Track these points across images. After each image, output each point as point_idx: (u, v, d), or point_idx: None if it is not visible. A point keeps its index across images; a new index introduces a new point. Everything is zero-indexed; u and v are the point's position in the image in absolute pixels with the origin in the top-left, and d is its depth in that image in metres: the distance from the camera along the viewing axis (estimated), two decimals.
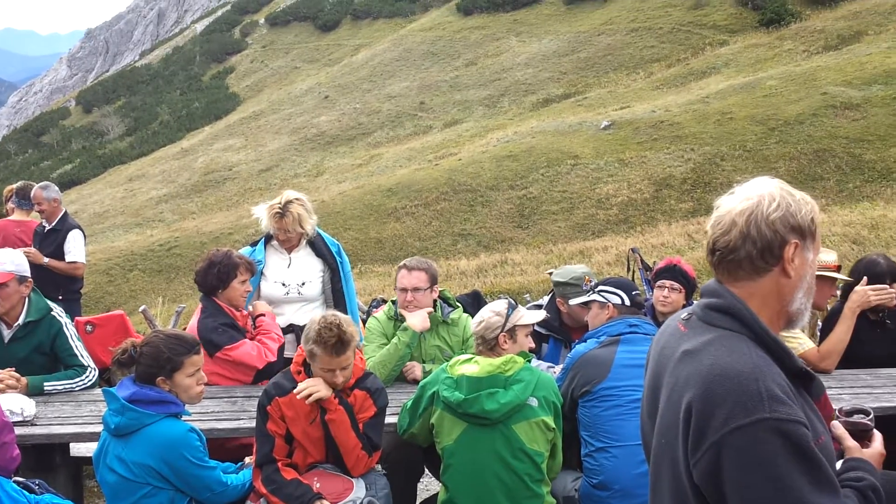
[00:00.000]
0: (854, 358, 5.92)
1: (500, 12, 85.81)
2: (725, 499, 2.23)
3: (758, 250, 2.44)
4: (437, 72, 78.80)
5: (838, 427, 2.66)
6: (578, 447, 5.06)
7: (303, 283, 7.02)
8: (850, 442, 2.62)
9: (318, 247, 7.16)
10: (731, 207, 2.52)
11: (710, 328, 2.44)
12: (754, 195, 2.52)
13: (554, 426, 4.83)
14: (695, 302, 3.10)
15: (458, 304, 6.73)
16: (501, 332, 4.98)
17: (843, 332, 5.62)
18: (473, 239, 41.46)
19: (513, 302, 5.16)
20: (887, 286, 5.64)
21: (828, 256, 5.76)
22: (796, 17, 69.37)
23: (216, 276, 6.52)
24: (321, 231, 7.29)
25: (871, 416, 2.75)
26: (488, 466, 4.75)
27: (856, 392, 5.43)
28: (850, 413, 2.76)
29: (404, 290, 6.45)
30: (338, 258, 7.21)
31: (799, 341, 5.48)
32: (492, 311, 5.07)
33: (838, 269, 5.82)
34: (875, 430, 2.73)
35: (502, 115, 65.05)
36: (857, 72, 52.63)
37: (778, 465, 2.16)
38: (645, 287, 9.40)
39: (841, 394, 5.28)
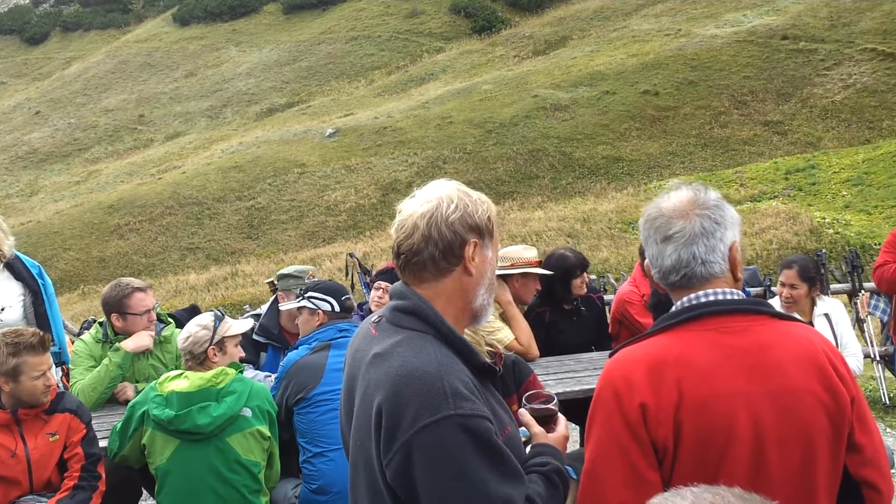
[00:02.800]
0: (557, 346, 6.27)
1: (218, 22, 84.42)
2: (418, 497, 2.28)
3: (440, 251, 2.48)
4: (156, 83, 76.50)
5: (525, 415, 2.76)
6: (297, 454, 5.08)
7: (2, 309, 6.64)
8: (536, 428, 2.72)
9: (17, 269, 6.78)
10: (412, 211, 2.55)
11: (398, 330, 2.46)
12: (434, 198, 2.56)
13: (269, 435, 4.83)
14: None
15: (170, 320, 6.58)
16: (210, 345, 4.92)
17: (522, 319, 5.95)
18: (202, 252, 40.58)
19: (219, 313, 5.11)
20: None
21: (529, 253, 6.04)
22: (506, 24, 72.34)
23: None
24: (19, 253, 6.91)
25: (556, 401, 2.87)
26: (204, 482, 4.69)
27: (560, 378, 5.74)
28: (534, 400, 2.84)
29: (147, 311, 6.21)
30: (39, 280, 6.85)
31: (504, 333, 5.74)
32: (198, 325, 5.00)
33: (539, 263, 6.12)
34: (560, 415, 2.86)
35: (226, 126, 64.00)
36: (565, 75, 55.60)
37: (464, 459, 2.23)
38: (365, 291, 9.54)
39: (546, 380, 5.56)
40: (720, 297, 2.45)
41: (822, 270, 8.88)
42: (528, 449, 2.67)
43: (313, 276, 6.34)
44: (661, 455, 2.35)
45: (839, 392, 2.43)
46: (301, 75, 70.96)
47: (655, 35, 60.48)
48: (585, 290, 6.31)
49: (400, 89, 62.31)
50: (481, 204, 2.62)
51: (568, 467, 4.27)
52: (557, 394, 5.32)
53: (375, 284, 6.73)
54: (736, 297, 2.47)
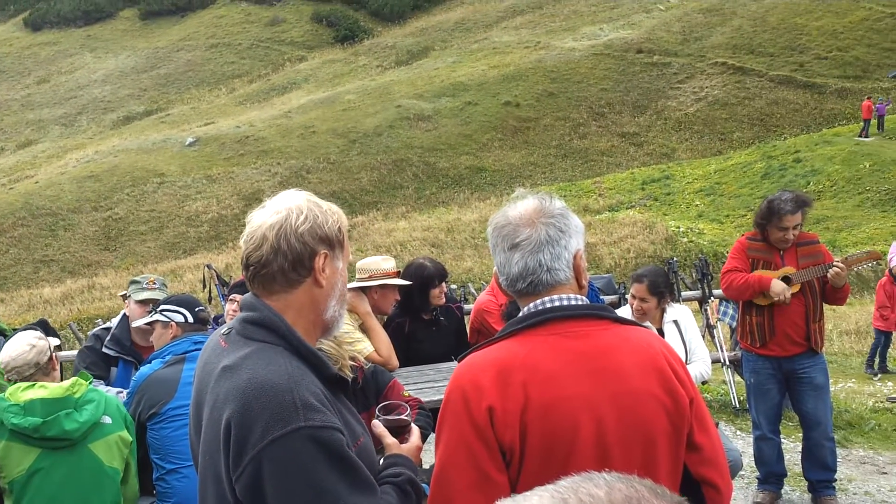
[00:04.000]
0: (417, 356, 6.29)
1: (72, 27, 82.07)
2: None
3: (289, 263, 2.45)
4: (6, 90, 73.82)
5: (378, 426, 2.76)
6: (151, 471, 4.95)
7: None
8: (389, 439, 2.73)
9: None
10: (261, 222, 2.50)
11: (248, 342, 2.43)
12: (283, 209, 2.51)
13: (131, 439, 4.71)
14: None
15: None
16: (51, 352, 4.78)
17: (381, 330, 5.96)
18: (57, 265, 39.27)
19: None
20: None
21: (387, 264, 6.03)
22: (369, 34, 72.45)
23: None
24: None
25: (409, 411, 2.87)
26: (68, 491, 4.53)
27: (420, 388, 5.74)
28: (388, 411, 2.84)
29: None
30: None
31: (363, 345, 5.73)
32: (34, 337, 4.84)
33: (398, 274, 6.12)
34: (413, 425, 2.87)
35: (81, 134, 62.18)
36: (427, 85, 55.97)
37: (316, 471, 2.22)
38: (222, 303, 9.40)
39: (407, 390, 5.57)
40: (564, 302, 2.49)
41: (674, 279, 9.17)
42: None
43: (153, 283, 6.19)
44: (509, 457, 2.38)
45: (678, 394, 2.50)
46: (159, 83, 69.54)
47: (516, 47, 61.47)
48: (444, 300, 6.33)
49: (262, 98, 61.70)
50: (332, 215, 2.57)
51: (424, 484, 4.30)
52: (436, 401, 5.37)
53: (230, 297, 6.62)
54: (580, 303, 2.52)
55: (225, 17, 77.11)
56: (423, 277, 6.27)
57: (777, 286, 6.09)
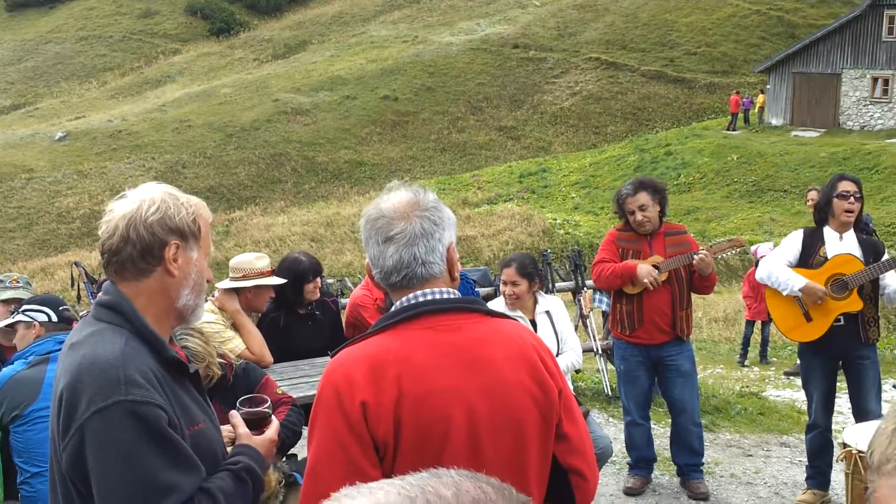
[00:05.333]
0: (293, 351, 6.26)
1: None
2: (90, 483, 2.35)
3: (138, 252, 2.53)
4: None
5: (234, 416, 2.87)
6: (15, 476, 4.82)
7: None
8: (241, 430, 2.83)
9: None
10: (116, 212, 2.60)
11: (96, 323, 2.53)
12: (137, 200, 2.60)
13: None
14: None
15: None
16: None
17: (253, 327, 5.92)
18: None
19: None
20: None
21: (261, 262, 5.97)
22: (245, 27, 71.52)
23: None
24: None
25: (269, 404, 3.01)
26: None
27: (295, 383, 5.73)
28: (249, 403, 2.98)
29: None
30: None
31: (235, 343, 5.68)
32: None
33: (272, 272, 6.08)
34: (273, 418, 2.98)
35: None
36: (305, 79, 55.56)
37: (130, 444, 2.31)
38: (91, 301, 9.19)
39: (281, 386, 5.54)
40: (437, 296, 2.52)
41: (548, 269, 9.32)
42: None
43: (17, 282, 6.01)
44: (382, 452, 2.40)
45: (548, 385, 2.56)
46: (27, 76, 67.34)
47: (394, 41, 61.49)
48: (318, 294, 6.32)
49: (135, 91, 60.31)
50: (188, 207, 2.64)
51: (296, 472, 4.30)
52: (311, 396, 5.35)
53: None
54: (452, 297, 2.55)
55: (96, 9, 75.03)
56: (296, 272, 6.25)
57: (643, 269, 6.26)
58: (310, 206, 39.44)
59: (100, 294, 2.66)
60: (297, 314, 6.37)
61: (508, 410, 2.49)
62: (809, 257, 6.07)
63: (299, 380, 5.89)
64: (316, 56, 61.37)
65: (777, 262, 6.15)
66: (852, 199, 5.96)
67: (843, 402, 7.82)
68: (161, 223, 2.56)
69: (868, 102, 40.17)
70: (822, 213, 6.13)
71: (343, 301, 7.63)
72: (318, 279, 6.33)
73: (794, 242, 6.23)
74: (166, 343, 2.58)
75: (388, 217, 2.54)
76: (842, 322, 5.96)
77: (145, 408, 2.35)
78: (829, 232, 6.07)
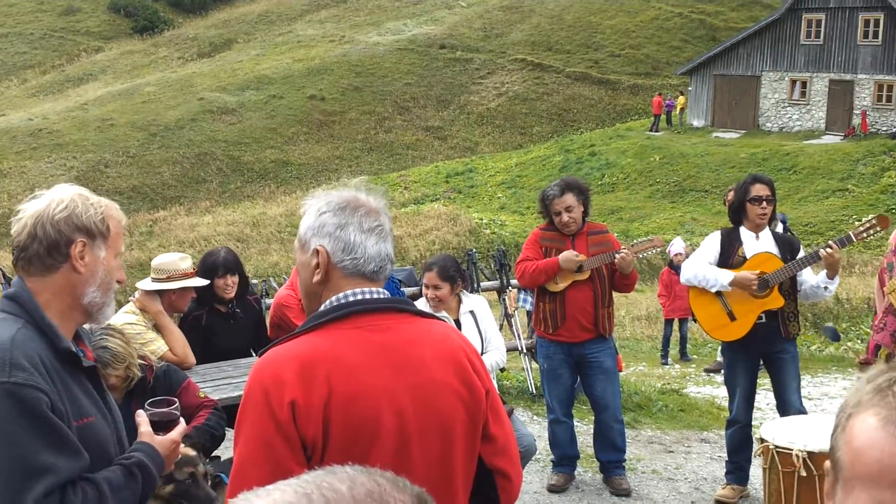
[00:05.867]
0: (215, 351, 6.22)
1: None
2: None
3: (44, 248, 2.63)
4: None
5: (140, 415, 2.94)
6: None
7: None
8: (143, 428, 2.89)
9: None
10: (28, 211, 2.68)
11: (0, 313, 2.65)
12: (48, 199, 2.69)
13: None
14: None
15: None
16: None
17: (175, 328, 5.88)
18: None
19: None
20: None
21: (185, 263, 5.91)
22: (169, 25, 70.54)
23: None
24: None
25: (176, 405, 3.11)
26: None
27: (217, 384, 5.70)
28: (156, 405, 3.08)
29: None
30: None
31: (157, 345, 5.64)
32: None
33: (195, 272, 6.04)
34: (181, 421, 3.06)
35: None
36: (231, 78, 55.02)
37: (7, 423, 2.42)
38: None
39: (204, 387, 5.50)
40: (367, 296, 2.53)
41: (473, 269, 9.40)
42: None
43: None
44: (311, 451, 2.40)
45: (475, 385, 2.59)
46: None
47: (321, 41, 61.20)
48: (232, 292, 6.24)
49: (56, 90, 59.15)
50: (97, 207, 2.72)
51: (221, 473, 4.30)
52: (233, 398, 5.33)
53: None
54: (381, 296, 2.57)
55: (16, 6, 73.28)
56: (206, 265, 6.21)
57: (564, 255, 6.35)
58: (235, 206, 39.11)
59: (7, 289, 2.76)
60: (219, 313, 6.32)
61: (437, 411, 2.52)
62: (729, 258, 6.19)
63: (222, 381, 5.86)
64: (242, 55, 60.82)
65: (700, 263, 6.28)
66: (765, 203, 6.10)
67: (761, 399, 8.02)
68: (68, 221, 2.65)
69: (787, 104, 41.04)
70: (737, 215, 6.27)
71: (268, 301, 7.60)
72: (233, 277, 6.26)
73: (712, 244, 6.36)
74: (61, 334, 2.66)
75: (369, 208, 2.57)
76: (764, 319, 6.09)
77: (25, 390, 2.44)
78: (745, 232, 6.22)
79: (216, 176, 44.96)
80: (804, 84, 40.40)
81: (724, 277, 6.07)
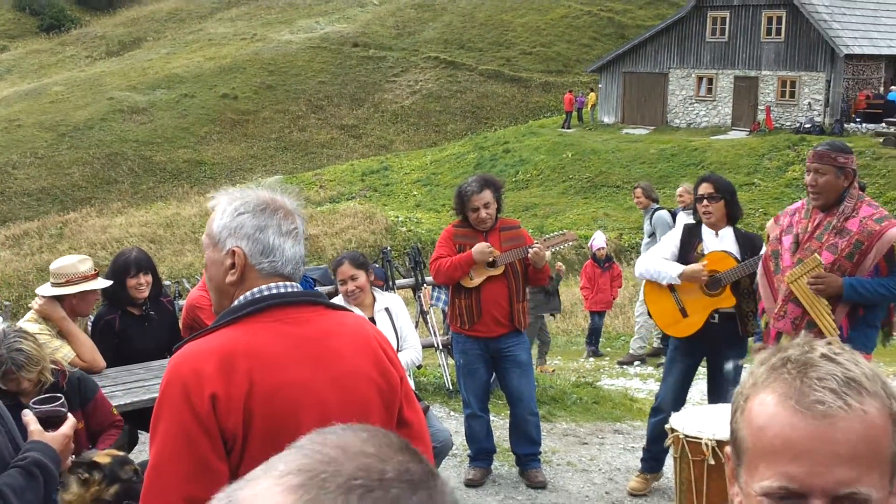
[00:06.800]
0: (129, 354, 6.13)
1: None
2: None
3: None
4: None
5: (27, 414, 2.92)
6: None
7: None
8: (32, 427, 2.89)
9: None
10: None
11: None
12: None
13: None
14: None
15: None
16: None
17: (81, 333, 5.79)
18: None
19: None
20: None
21: (84, 266, 5.75)
22: (77, 23, 69.11)
23: None
24: None
25: (62, 401, 3.11)
26: None
27: (129, 388, 5.63)
28: (42, 402, 3.08)
29: None
30: None
31: (65, 352, 5.55)
32: None
33: (97, 274, 5.92)
34: (70, 416, 3.08)
35: None
36: (141, 77, 54.12)
37: None
38: None
39: (115, 391, 5.45)
40: (283, 290, 2.55)
41: (388, 267, 9.45)
42: None
43: None
44: (231, 445, 2.42)
45: (390, 373, 2.67)
46: None
47: (232, 39, 60.57)
48: (145, 293, 6.16)
49: None
50: None
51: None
52: (126, 404, 5.29)
53: None
54: (297, 290, 2.61)
55: None
56: (117, 266, 6.11)
57: (477, 247, 6.43)
58: (148, 207, 38.50)
59: None
60: (133, 315, 6.23)
61: (356, 402, 2.57)
62: (687, 254, 6.26)
63: (134, 384, 5.79)
64: (152, 53, 59.89)
65: (654, 257, 6.38)
66: (706, 201, 6.22)
67: (692, 395, 8.19)
68: None
69: (694, 101, 41.82)
70: (696, 213, 6.39)
71: (181, 303, 7.52)
72: (146, 276, 6.15)
73: (673, 240, 6.47)
74: None
75: (287, 210, 2.59)
76: (716, 320, 6.16)
77: None
78: (706, 230, 6.29)
79: (128, 176, 44.22)
80: (710, 81, 41.19)
81: (674, 270, 6.14)
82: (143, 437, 6.45)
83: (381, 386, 2.64)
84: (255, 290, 2.55)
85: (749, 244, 6.33)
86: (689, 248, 6.30)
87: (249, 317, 2.52)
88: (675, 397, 6.41)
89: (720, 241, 6.26)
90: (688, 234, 6.39)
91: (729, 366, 6.21)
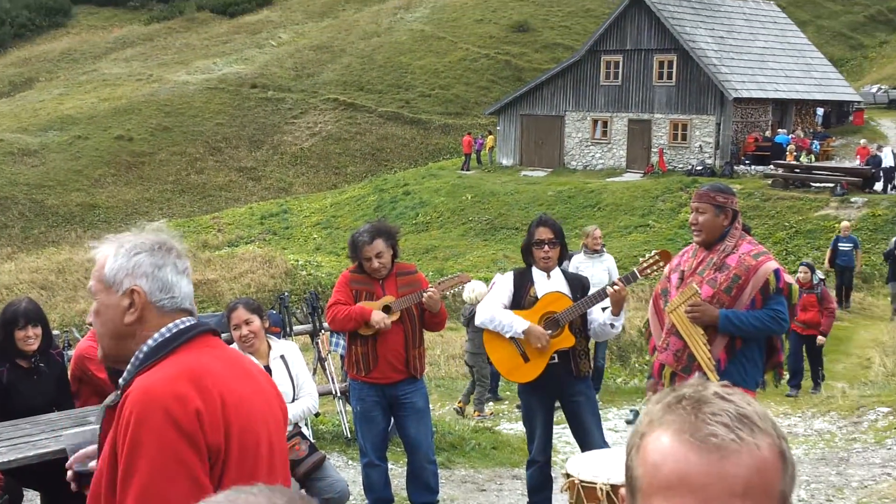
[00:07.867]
0: (16, 410, 5.93)
1: None
2: None
3: None
4: None
5: None
6: None
7: None
8: None
9: None
10: None
11: None
12: None
13: None
14: None
15: None
16: None
17: None
18: None
19: None
20: None
21: None
22: None
23: None
24: None
25: None
26: None
27: (14, 443, 5.45)
28: None
29: None
30: None
31: None
32: None
33: None
34: None
35: None
36: (33, 118, 52.97)
37: None
38: None
39: (0, 446, 5.29)
40: (190, 323, 2.64)
41: (285, 313, 9.37)
42: None
43: None
44: (214, 459, 2.46)
45: (279, 393, 2.90)
46: None
47: (127, 80, 59.74)
48: (35, 345, 5.98)
49: None
50: None
51: None
52: (10, 461, 5.12)
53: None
54: (204, 322, 2.72)
55: None
56: (5, 317, 5.92)
57: (376, 316, 6.42)
58: (39, 252, 37.46)
59: None
60: (21, 368, 6.03)
61: (278, 419, 2.75)
62: (521, 298, 6.34)
63: (19, 440, 5.62)
64: (44, 94, 58.69)
65: (495, 306, 6.41)
66: (546, 246, 6.31)
67: (561, 433, 8.25)
68: None
69: (590, 143, 42.57)
70: (527, 256, 6.48)
71: (69, 353, 7.32)
72: (35, 328, 5.98)
73: (506, 284, 6.53)
74: None
75: (179, 251, 2.69)
76: (556, 360, 6.23)
77: None
78: (536, 272, 6.39)
79: (18, 221, 43.08)
80: (605, 123, 42.02)
81: (519, 325, 6.18)
82: (29, 494, 6.25)
83: (281, 405, 2.83)
84: (171, 325, 2.61)
85: (579, 284, 6.49)
86: (522, 293, 6.39)
87: (185, 345, 2.58)
88: (543, 446, 6.50)
89: (552, 283, 6.37)
90: (519, 279, 6.47)
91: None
